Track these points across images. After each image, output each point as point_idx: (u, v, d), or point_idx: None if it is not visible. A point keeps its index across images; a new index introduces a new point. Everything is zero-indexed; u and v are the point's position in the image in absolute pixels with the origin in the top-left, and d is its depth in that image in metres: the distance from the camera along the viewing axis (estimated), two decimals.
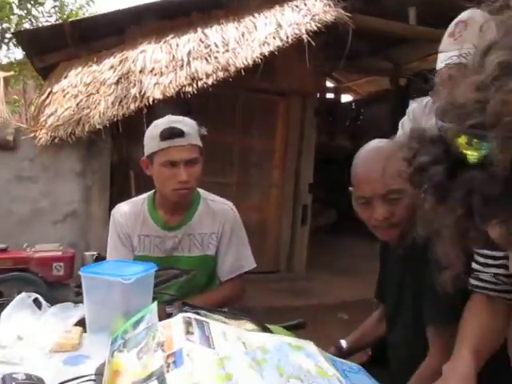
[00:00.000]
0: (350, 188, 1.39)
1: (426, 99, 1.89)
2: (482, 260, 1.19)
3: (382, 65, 8.79)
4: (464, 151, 0.49)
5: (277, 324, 1.36)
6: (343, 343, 1.63)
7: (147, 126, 1.80)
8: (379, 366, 1.51)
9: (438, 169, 0.53)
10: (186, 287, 1.86)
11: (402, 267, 1.41)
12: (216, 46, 4.16)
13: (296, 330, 1.40)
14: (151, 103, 3.91)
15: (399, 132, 1.99)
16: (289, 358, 1.02)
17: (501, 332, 1.17)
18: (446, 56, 1.64)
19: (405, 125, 1.99)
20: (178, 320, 1.07)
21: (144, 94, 3.98)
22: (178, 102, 3.99)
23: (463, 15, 1.65)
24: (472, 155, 0.48)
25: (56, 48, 4.77)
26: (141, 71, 4.16)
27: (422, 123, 1.94)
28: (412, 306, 1.36)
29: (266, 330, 1.22)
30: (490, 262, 1.18)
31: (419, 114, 1.91)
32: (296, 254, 5.75)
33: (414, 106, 1.98)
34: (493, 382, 1.05)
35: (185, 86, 3.90)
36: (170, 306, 1.52)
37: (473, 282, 1.20)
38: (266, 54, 3.99)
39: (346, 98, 11.28)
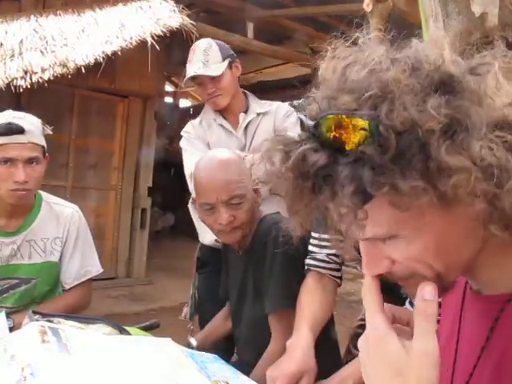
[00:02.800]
0: (193, 196, 1.48)
1: None
2: (317, 242, 1.42)
3: None
4: (350, 141, 0.53)
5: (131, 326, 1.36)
6: (193, 341, 1.68)
7: None
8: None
9: (320, 155, 0.55)
10: (26, 297, 1.73)
11: (244, 265, 1.54)
12: (53, 38, 3.90)
13: (151, 330, 1.42)
14: None
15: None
16: (150, 357, 1.04)
17: (330, 307, 1.39)
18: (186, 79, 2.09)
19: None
20: (30, 330, 1.02)
21: None
22: (6, 96, 3.64)
23: (192, 46, 2.12)
24: (353, 140, 0.53)
25: None
26: None
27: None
28: (254, 299, 1.50)
29: (123, 331, 1.22)
30: (324, 243, 1.40)
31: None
32: (135, 258, 5.65)
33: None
34: (320, 347, 1.25)
35: (16, 78, 3.57)
36: (7, 319, 1.40)
37: (308, 261, 1.41)
38: (109, 53, 3.87)
39: (184, 102, 11.41)
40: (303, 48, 7.20)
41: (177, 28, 4.15)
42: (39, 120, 1.67)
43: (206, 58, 2.00)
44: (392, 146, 0.52)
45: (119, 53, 3.99)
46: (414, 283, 0.61)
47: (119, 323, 1.26)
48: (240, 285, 1.56)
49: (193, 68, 2.02)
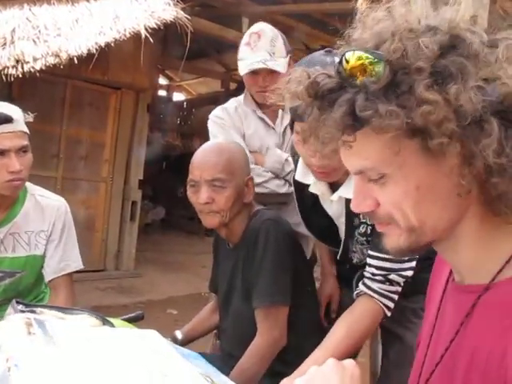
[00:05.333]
0: None
1: None
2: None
3: (214, 67, 9.10)
4: (359, 77, 0.63)
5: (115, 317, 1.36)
6: (178, 334, 1.69)
7: None
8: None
9: (331, 80, 0.66)
10: (11, 291, 1.71)
11: (234, 259, 1.55)
12: (46, 28, 3.86)
13: (135, 321, 1.42)
14: None
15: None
16: (135, 349, 1.05)
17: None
18: (246, 63, 1.89)
19: None
20: (16, 321, 1.02)
21: None
22: None
23: (255, 27, 1.95)
24: (363, 78, 0.63)
25: None
26: None
27: None
28: (242, 293, 1.52)
29: (106, 323, 1.22)
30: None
31: None
32: (124, 251, 5.64)
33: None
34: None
35: (8, 67, 3.54)
36: None
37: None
38: (103, 44, 3.84)
39: (177, 96, 11.38)
40: (298, 45, 7.21)
41: (171, 21, 4.13)
42: (19, 108, 1.65)
43: (273, 49, 1.85)
44: (384, 77, 0.61)
45: (112, 44, 3.97)
46: (390, 233, 0.70)
47: (102, 315, 1.26)
48: (229, 278, 1.57)
49: (257, 56, 1.84)
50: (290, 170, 1.84)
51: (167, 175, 9.63)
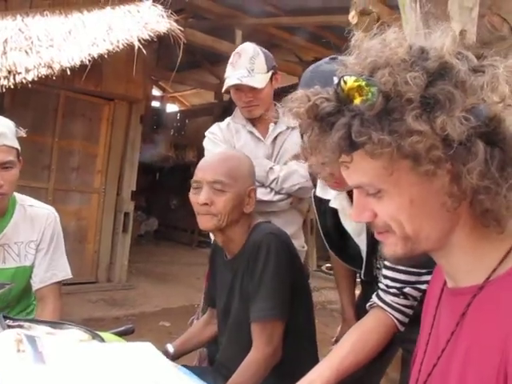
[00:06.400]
0: None
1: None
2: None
3: (208, 79, 9.13)
4: (357, 98, 0.67)
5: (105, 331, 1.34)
6: (170, 347, 1.67)
7: None
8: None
9: (329, 104, 0.70)
10: (0, 302, 1.68)
11: (232, 271, 1.54)
12: (38, 39, 3.86)
13: (125, 335, 1.40)
14: None
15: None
16: (127, 365, 1.03)
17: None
18: (227, 81, 1.99)
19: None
20: (5, 337, 1.00)
21: None
22: None
23: (238, 47, 2.06)
24: (360, 99, 0.67)
25: None
26: None
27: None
28: (239, 303, 1.51)
29: (96, 337, 1.20)
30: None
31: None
32: (117, 263, 5.58)
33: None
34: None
35: None
36: None
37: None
38: (96, 56, 3.84)
39: (171, 107, 11.39)
40: (291, 57, 7.26)
41: (164, 33, 4.14)
42: (12, 122, 1.63)
43: (252, 66, 1.94)
44: (378, 105, 0.65)
45: (106, 56, 3.96)
46: (387, 242, 0.75)
47: (92, 329, 1.24)
48: (228, 290, 1.56)
49: (236, 74, 1.94)
50: (274, 178, 1.91)
51: (160, 186, 9.62)
